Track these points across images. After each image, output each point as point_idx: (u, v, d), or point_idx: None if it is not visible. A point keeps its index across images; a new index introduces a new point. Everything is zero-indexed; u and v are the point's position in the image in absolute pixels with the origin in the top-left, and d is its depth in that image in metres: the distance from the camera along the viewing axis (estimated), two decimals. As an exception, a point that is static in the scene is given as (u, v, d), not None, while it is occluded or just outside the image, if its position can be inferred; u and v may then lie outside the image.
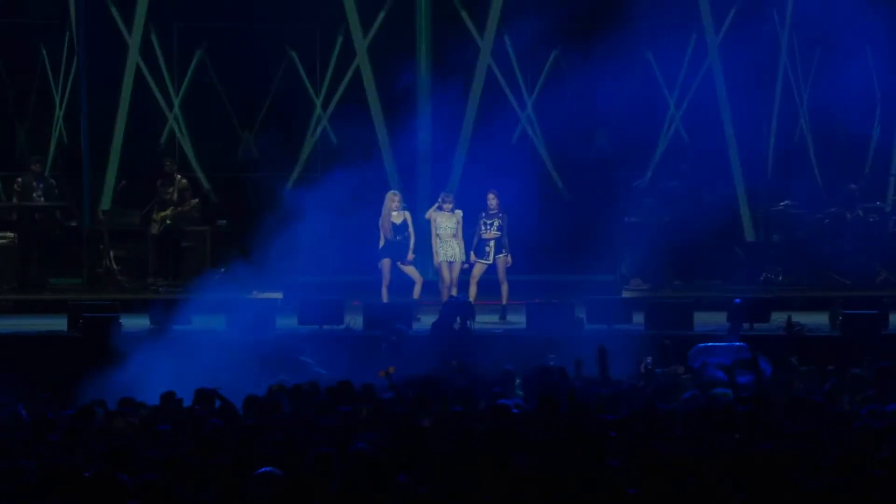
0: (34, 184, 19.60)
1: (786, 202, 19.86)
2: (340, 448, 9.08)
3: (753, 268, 19.61)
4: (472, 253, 17.68)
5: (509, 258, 17.67)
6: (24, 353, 15.66)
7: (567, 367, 13.05)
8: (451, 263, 17.59)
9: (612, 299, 17.69)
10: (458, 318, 16.05)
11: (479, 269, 17.71)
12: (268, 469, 8.14)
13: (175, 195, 19.64)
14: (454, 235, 17.61)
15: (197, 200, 19.83)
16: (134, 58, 20.88)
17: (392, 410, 10.83)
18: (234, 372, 13.07)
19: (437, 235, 17.62)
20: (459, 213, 17.67)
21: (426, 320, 16.70)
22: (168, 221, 19.59)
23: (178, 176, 19.76)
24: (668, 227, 19.67)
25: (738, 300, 15.79)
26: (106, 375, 13.68)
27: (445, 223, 17.62)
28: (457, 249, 17.61)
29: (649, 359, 13.72)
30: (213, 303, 16.73)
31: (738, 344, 14.12)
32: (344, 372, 13.37)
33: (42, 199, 19.66)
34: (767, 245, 19.95)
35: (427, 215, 17.81)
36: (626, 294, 18.80)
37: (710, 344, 14.21)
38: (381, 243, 17.68)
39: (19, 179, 19.66)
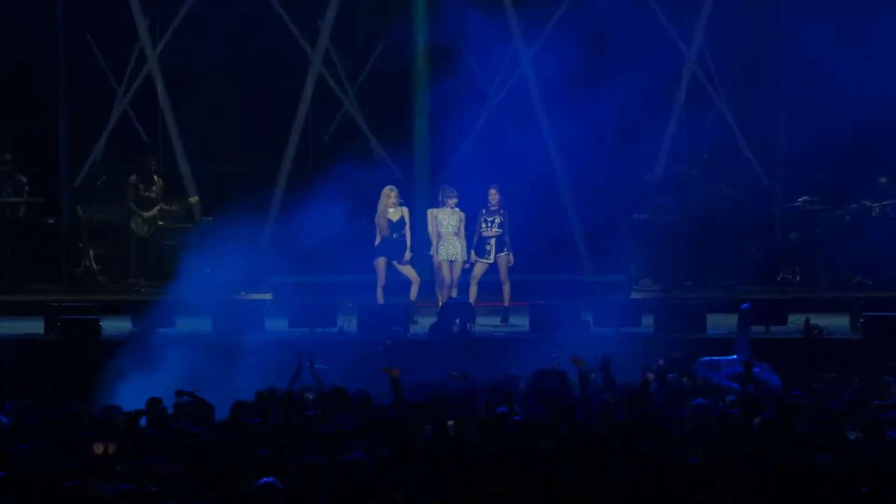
0: (4, 181, 19.67)
1: (804, 198, 19.88)
2: (333, 457, 9.12)
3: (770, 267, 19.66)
4: (472, 252, 17.67)
5: (511, 257, 17.65)
6: (-1, 357, 15.67)
7: (571, 371, 13.11)
8: (451, 263, 17.55)
9: (620, 300, 17.70)
10: (458, 321, 16.08)
11: (479, 269, 17.69)
12: (269, 480, 8.22)
13: (158, 195, 19.75)
14: (456, 234, 17.57)
15: (198, 199, 19.88)
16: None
17: (388, 418, 10.88)
18: (221, 377, 13.13)
19: (439, 233, 17.59)
20: (462, 213, 17.63)
21: (424, 322, 16.75)
22: (160, 222, 19.68)
23: (156, 177, 19.85)
24: (680, 224, 19.70)
25: (745, 305, 15.50)
26: (85, 381, 13.71)
27: (448, 220, 17.57)
28: (458, 248, 17.57)
29: (661, 361, 13.77)
30: (198, 304, 16.78)
31: (737, 357, 14.07)
32: (337, 377, 13.42)
33: (12, 197, 19.72)
34: (784, 243, 19.96)
35: (430, 229, 17.64)
36: (634, 295, 18.82)
37: (714, 358, 14.21)
38: (377, 241, 17.68)
39: (-13, 177, 19.77)
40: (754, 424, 10.34)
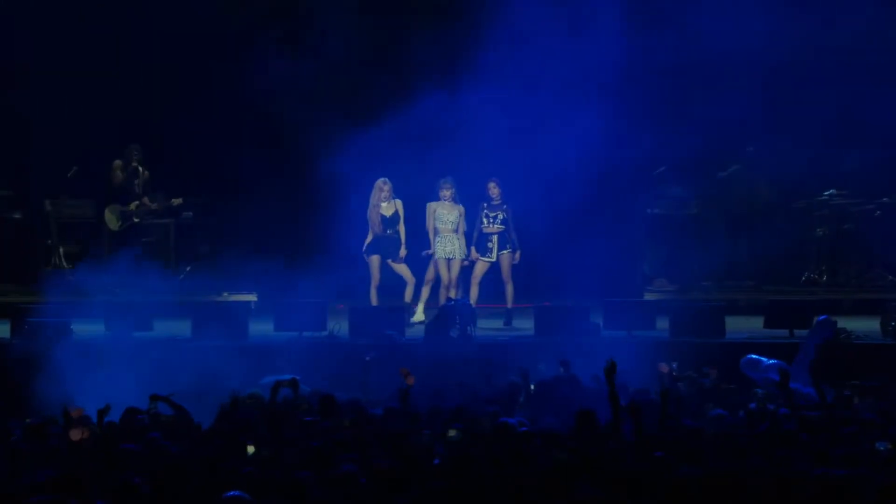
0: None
1: (831, 191, 19.87)
2: (322, 471, 9.15)
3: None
4: (472, 249, 17.66)
5: (517, 255, 17.64)
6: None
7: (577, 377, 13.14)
8: (449, 261, 17.56)
9: (632, 302, 17.73)
10: (458, 324, 16.09)
11: (480, 268, 17.69)
12: (236, 493, 8.24)
13: (140, 188, 19.71)
14: (455, 230, 17.58)
15: (181, 200, 19.78)
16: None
17: (383, 428, 10.91)
18: (201, 383, 13.18)
19: (436, 229, 17.59)
20: (461, 206, 17.66)
21: (420, 325, 16.78)
22: (136, 220, 19.63)
23: (141, 168, 19.79)
24: (697, 219, 19.69)
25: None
26: (56, 389, 13.73)
27: (447, 215, 17.58)
28: (457, 245, 17.59)
29: (675, 364, 13.79)
30: (177, 306, 16.79)
31: (776, 363, 14.06)
32: (327, 385, 13.46)
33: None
34: (810, 240, 19.94)
35: (428, 223, 17.65)
36: (648, 296, 18.84)
37: (757, 358, 14.23)
38: (369, 238, 17.69)
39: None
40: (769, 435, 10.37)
